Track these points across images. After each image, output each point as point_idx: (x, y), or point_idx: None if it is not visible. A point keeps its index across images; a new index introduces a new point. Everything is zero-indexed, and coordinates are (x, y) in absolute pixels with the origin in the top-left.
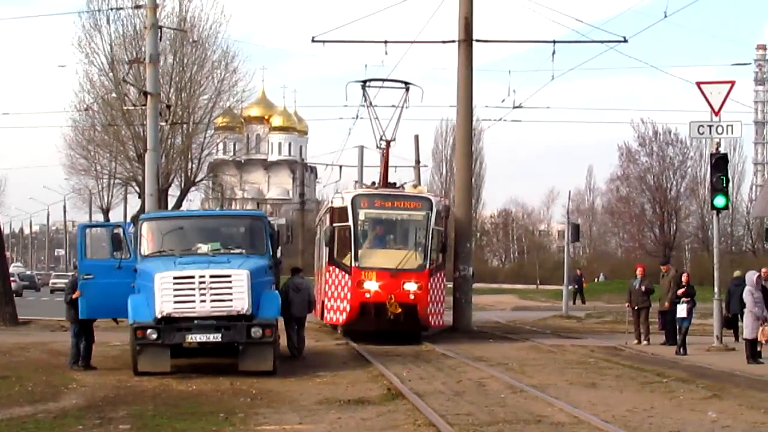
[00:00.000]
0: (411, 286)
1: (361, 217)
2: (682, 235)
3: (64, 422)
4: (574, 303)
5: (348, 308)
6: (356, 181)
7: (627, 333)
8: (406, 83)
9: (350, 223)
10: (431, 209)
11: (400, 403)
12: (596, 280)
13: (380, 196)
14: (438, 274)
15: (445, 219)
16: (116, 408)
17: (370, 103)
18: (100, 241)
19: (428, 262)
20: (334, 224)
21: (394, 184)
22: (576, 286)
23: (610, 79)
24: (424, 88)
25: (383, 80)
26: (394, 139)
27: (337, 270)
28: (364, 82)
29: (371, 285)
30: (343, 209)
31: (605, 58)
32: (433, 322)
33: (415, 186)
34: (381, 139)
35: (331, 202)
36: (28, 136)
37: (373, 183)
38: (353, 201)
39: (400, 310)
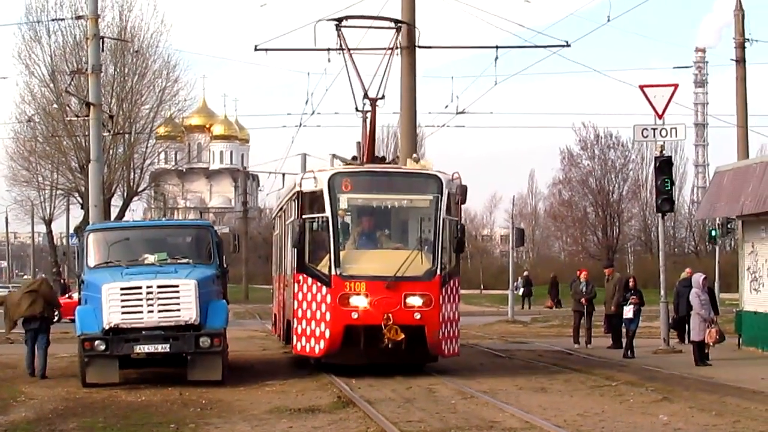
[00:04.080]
0: (416, 301)
1: (343, 204)
2: (624, 237)
3: None
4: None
5: (328, 334)
6: (333, 155)
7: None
8: (396, 21)
9: (328, 213)
10: (441, 191)
11: (351, 411)
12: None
13: (369, 175)
14: (451, 283)
15: (460, 204)
16: (66, 420)
17: (348, 48)
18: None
19: (439, 266)
20: (305, 216)
21: (383, 158)
22: (554, 291)
23: (553, 84)
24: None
25: (366, 17)
26: (382, 97)
27: (310, 280)
28: (339, 20)
29: (360, 301)
30: (317, 194)
31: (548, 63)
32: (447, 350)
33: (416, 160)
34: (364, 96)
35: (300, 184)
36: None
37: (354, 158)
38: (331, 182)
39: (402, 336)
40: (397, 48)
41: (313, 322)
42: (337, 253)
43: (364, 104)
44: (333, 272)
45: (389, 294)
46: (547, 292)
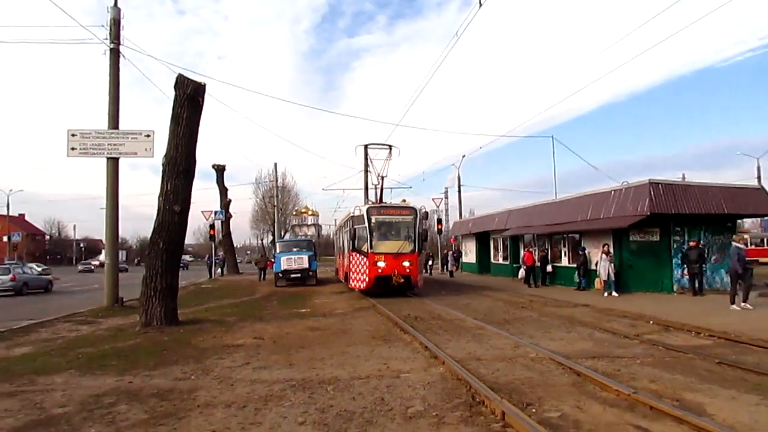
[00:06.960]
0: (406, 263)
1: (373, 221)
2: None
3: (255, 301)
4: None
5: (367, 279)
6: (367, 199)
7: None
8: (390, 146)
9: (366, 224)
10: (416, 214)
11: (363, 297)
12: None
13: (384, 207)
14: (421, 255)
15: (424, 220)
16: (271, 297)
17: (370, 158)
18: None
19: (416, 248)
20: (355, 226)
21: (385, 202)
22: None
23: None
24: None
25: (376, 144)
26: (386, 175)
27: (358, 255)
28: (366, 145)
29: (381, 264)
30: (361, 216)
31: (407, 194)
32: (419, 285)
33: (404, 201)
34: (378, 176)
35: (353, 212)
36: (241, 221)
37: (373, 202)
38: (367, 211)
39: (402, 280)
40: (390, 158)
41: (359, 274)
42: (371, 242)
43: (378, 179)
44: (369, 250)
45: (395, 261)
46: None
